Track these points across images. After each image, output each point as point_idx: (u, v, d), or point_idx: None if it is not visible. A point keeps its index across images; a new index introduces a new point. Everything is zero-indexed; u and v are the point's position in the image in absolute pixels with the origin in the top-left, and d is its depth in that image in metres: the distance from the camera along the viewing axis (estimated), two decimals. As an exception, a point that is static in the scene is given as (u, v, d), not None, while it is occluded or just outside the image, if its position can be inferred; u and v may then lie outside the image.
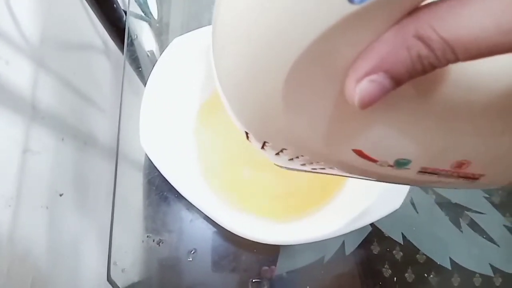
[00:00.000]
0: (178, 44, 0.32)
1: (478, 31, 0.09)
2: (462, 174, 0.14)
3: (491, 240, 0.36)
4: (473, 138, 0.13)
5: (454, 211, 0.37)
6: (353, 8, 0.09)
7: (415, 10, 0.10)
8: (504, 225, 0.36)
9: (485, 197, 0.37)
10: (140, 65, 0.41)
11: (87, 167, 0.51)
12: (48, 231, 0.43)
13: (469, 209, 0.37)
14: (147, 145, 0.27)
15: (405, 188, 0.28)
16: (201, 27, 0.47)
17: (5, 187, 0.37)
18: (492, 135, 0.13)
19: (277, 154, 0.16)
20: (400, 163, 0.14)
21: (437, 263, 0.35)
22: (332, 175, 0.18)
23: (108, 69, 0.60)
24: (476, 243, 0.36)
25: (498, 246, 0.36)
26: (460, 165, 0.14)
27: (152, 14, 0.51)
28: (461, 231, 0.36)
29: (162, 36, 0.49)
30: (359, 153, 0.14)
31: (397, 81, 0.10)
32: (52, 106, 0.45)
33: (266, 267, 0.33)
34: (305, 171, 0.18)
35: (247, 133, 0.16)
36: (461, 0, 0.09)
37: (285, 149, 0.15)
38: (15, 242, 0.37)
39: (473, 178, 0.14)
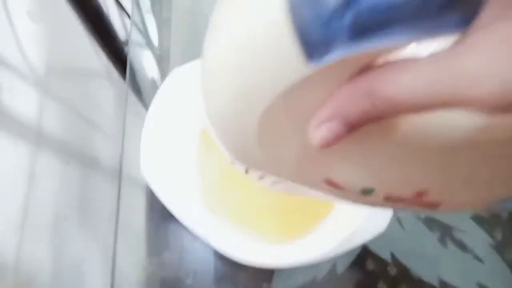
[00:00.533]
0: (178, 74, 0.34)
1: (410, 92, 0.11)
2: (423, 202, 0.16)
3: (477, 258, 0.37)
4: (430, 170, 0.15)
5: (440, 229, 0.38)
6: (310, 69, 0.11)
7: (364, 70, 0.12)
8: (489, 244, 0.38)
9: (470, 216, 0.39)
10: (141, 91, 0.43)
11: (91, 190, 0.53)
12: (52, 256, 0.44)
13: (454, 228, 0.38)
14: (147, 174, 0.29)
15: (390, 210, 0.30)
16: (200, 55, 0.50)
17: (11, 213, 0.38)
18: (447, 167, 0.14)
19: (261, 177, 0.18)
20: (366, 191, 0.16)
21: (424, 280, 0.36)
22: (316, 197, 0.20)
23: (111, 94, 0.63)
24: (463, 260, 0.37)
25: (484, 263, 0.37)
26: (420, 194, 0.15)
27: (152, 42, 0.53)
28: (448, 249, 0.38)
29: (163, 63, 0.51)
30: (329, 181, 0.16)
31: (349, 128, 0.12)
32: (57, 131, 0.47)
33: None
34: (288, 192, 0.20)
35: (232, 161, 0.19)
36: (400, 66, 0.11)
37: (267, 175, 0.17)
38: (20, 269, 0.39)
39: (433, 206, 0.16)
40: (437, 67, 0.10)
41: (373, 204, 0.17)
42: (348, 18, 0.10)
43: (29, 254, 0.40)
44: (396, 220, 0.38)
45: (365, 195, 0.16)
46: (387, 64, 0.11)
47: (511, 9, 0.09)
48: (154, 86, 0.47)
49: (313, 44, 0.11)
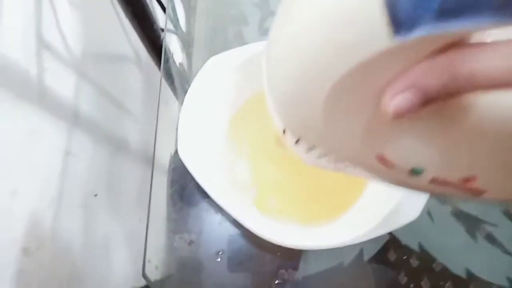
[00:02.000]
0: (214, 62, 0.35)
1: (492, 68, 0.11)
2: (468, 188, 0.16)
3: (507, 252, 0.37)
4: (484, 158, 0.15)
5: (470, 222, 0.38)
6: (394, 43, 0.11)
7: (446, 48, 0.12)
8: (520, 238, 0.37)
9: (501, 210, 0.38)
10: (173, 79, 0.44)
11: (120, 170, 0.55)
12: (84, 230, 0.46)
13: (485, 222, 0.38)
14: (183, 154, 0.30)
15: (423, 199, 0.30)
16: (225, 41, 0.50)
17: (49, 187, 0.40)
18: (502, 157, 0.15)
19: (308, 150, 0.18)
20: (415, 171, 0.16)
21: (452, 272, 0.36)
22: (353, 175, 0.20)
23: (139, 79, 0.64)
24: (492, 255, 0.37)
25: (514, 258, 0.37)
26: (467, 180, 0.15)
27: (182, 29, 0.54)
28: (477, 242, 0.37)
29: (189, 49, 0.52)
30: (381, 158, 0.16)
31: (425, 100, 0.12)
32: (91, 113, 0.49)
33: (288, 270, 0.35)
34: (329, 168, 0.20)
35: (284, 131, 0.19)
36: (480, 46, 0.11)
37: (316, 147, 0.18)
38: (57, 239, 0.41)
39: (477, 193, 0.16)
40: None
41: (415, 186, 0.17)
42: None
43: (63, 226, 0.41)
44: (426, 210, 0.37)
45: (412, 175, 0.16)
46: (469, 43, 0.12)
47: None
48: (183, 73, 0.48)
49: (401, 19, 0.11)
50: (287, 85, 0.16)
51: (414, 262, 0.36)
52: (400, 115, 0.13)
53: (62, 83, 0.43)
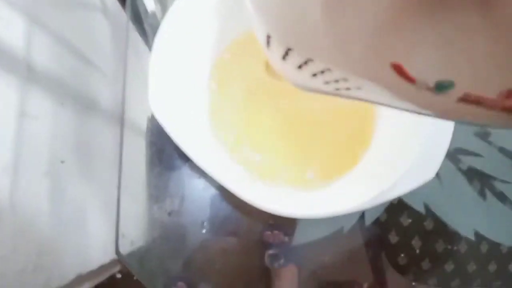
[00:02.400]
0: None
1: None
2: (508, 106, 0.12)
3: (518, 210, 0.34)
4: None
5: (479, 179, 0.35)
6: None
7: None
8: (532, 195, 0.34)
9: (511, 165, 0.35)
10: (143, 24, 0.37)
11: (90, 133, 0.49)
12: (51, 200, 0.41)
13: (495, 178, 0.35)
14: (157, 110, 0.25)
15: (440, 155, 0.26)
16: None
17: (1, 153, 0.35)
18: None
19: (300, 67, 0.14)
20: (441, 86, 0.12)
21: (460, 234, 0.33)
22: (357, 100, 0.15)
23: (108, 30, 0.56)
24: (502, 213, 0.34)
25: (524, 217, 0.34)
26: (509, 94, 0.12)
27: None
28: (486, 201, 0.34)
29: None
30: (397, 68, 0.12)
31: None
32: (49, 67, 0.42)
33: (269, 236, 0.31)
34: (326, 92, 0.15)
35: (268, 40, 0.14)
36: None
37: (311, 60, 0.13)
38: (17, 212, 0.36)
39: None
40: None
41: (438, 108, 0.13)
42: None
43: (25, 196, 0.37)
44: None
45: (438, 91, 0.12)
46: None
47: None
48: (154, 14, 0.41)
49: None
50: None
51: (420, 225, 0.33)
52: None
53: (8, 29, 0.36)
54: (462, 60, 0.11)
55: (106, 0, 0.55)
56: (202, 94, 0.30)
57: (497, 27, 0.10)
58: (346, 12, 0.11)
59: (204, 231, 0.31)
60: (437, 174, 0.34)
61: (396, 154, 0.27)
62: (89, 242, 0.47)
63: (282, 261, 0.31)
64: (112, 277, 0.51)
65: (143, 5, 0.39)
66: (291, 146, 0.31)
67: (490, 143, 0.36)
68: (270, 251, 0.31)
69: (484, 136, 0.36)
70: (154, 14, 0.40)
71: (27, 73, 0.39)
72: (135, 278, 0.32)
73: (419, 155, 0.26)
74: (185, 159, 0.32)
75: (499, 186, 0.35)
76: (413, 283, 0.32)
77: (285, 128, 0.32)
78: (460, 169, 0.35)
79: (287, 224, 0.32)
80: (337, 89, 0.15)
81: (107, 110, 0.52)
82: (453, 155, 0.35)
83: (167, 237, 0.31)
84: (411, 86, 0.12)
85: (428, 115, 0.14)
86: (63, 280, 0.42)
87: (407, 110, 0.15)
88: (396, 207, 0.33)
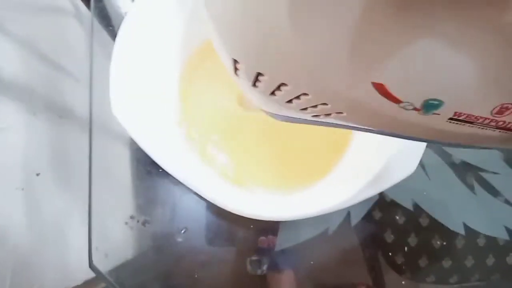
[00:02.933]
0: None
1: None
2: (502, 124, 0.11)
3: (506, 202, 0.33)
4: None
5: (467, 172, 0.34)
6: None
7: None
8: (522, 186, 0.33)
9: (500, 156, 0.34)
10: (111, 24, 0.36)
11: (65, 143, 0.47)
12: (27, 214, 0.39)
13: (483, 170, 0.34)
14: (120, 114, 0.23)
15: (420, 149, 0.24)
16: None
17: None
18: None
19: (272, 93, 0.12)
20: (430, 106, 0.11)
21: (450, 229, 0.32)
22: (335, 127, 0.14)
23: (81, 34, 0.55)
24: (490, 205, 0.33)
25: (514, 207, 0.33)
26: (503, 110, 0.11)
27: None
28: (475, 194, 0.33)
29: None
30: (380, 88, 0.10)
31: None
32: (19, 75, 0.41)
33: (264, 242, 0.30)
34: (303, 121, 0.14)
35: (235, 66, 0.13)
36: None
37: (284, 85, 0.12)
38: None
39: None
40: None
41: (426, 129, 0.12)
42: None
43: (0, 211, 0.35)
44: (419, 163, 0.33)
45: (426, 111, 0.11)
46: None
47: None
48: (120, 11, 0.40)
49: None
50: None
51: (415, 222, 0.32)
52: None
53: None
54: (453, 77, 0.10)
55: (78, 4, 0.53)
56: (171, 98, 0.29)
57: (495, 35, 0.09)
58: (317, 30, 0.10)
59: (180, 239, 0.29)
60: (425, 169, 0.33)
61: (375, 150, 0.26)
62: (70, 257, 0.45)
63: (265, 267, 0.29)
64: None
65: (110, 6, 0.37)
66: (267, 150, 0.30)
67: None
68: (252, 258, 0.29)
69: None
70: (121, 14, 0.38)
71: (-6, 83, 0.37)
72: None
73: (399, 149, 0.24)
74: (158, 167, 0.31)
75: (488, 178, 0.33)
76: (411, 282, 0.31)
77: (261, 131, 0.30)
78: (447, 163, 0.34)
79: (269, 229, 0.30)
80: (316, 116, 0.13)
81: (83, 118, 0.50)
82: (439, 148, 0.34)
83: (143, 247, 0.29)
84: (396, 106, 0.11)
85: (416, 139, 0.13)
86: (45, 296, 0.40)
87: (392, 135, 0.13)
88: (390, 205, 0.32)
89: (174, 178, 0.28)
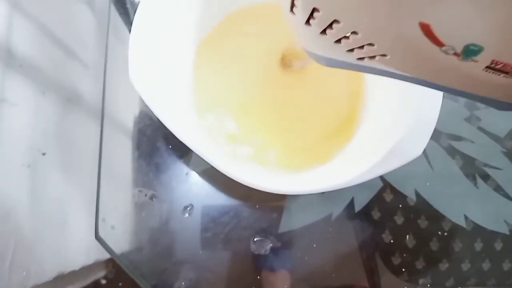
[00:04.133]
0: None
1: None
2: None
3: (507, 196, 0.34)
4: None
5: (470, 166, 0.34)
6: None
7: None
8: (523, 182, 0.34)
9: (503, 152, 0.35)
10: (125, 4, 0.37)
11: (72, 125, 0.47)
12: (31, 191, 0.39)
13: (486, 164, 0.34)
14: (136, 81, 0.24)
15: (428, 131, 0.25)
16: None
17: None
18: None
19: (323, 32, 0.13)
20: (470, 51, 0.11)
21: (451, 220, 0.32)
22: (375, 74, 0.15)
23: (92, 20, 0.55)
24: (493, 199, 0.33)
25: (515, 203, 0.34)
26: None
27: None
28: (477, 187, 0.34)
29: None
30: (426, 29, 0.11)
31: None
32: (31, 54, 0.41)
33: (269, 224, 0.30)
34: (346, 65, 0.15)
35: (292, 3, 0.13)
36: None
37: (337, 22, 0.12)
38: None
39: None
40: None
41: (459, 74, 0.13)
42: None
43: (3, 185, 0.35)
44: (423, 155, 0.33)
45: (465, 56, 0.11)
46: None
47: None
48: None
49: None
50: None
51: (410, 211, 0.32)
52: None
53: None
54: (494, 25, 0.10)
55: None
56: (187, 71, 0.29)
57: None
58: None
59: (187, 215, 0.29)
60: (427, 159, 0.34)
61: (383, 132, 0.26)
62: (70, 240, 0.45)
63: (269, 247, 0.29)
64: (97, 283, 0.49)
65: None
66: (279, 129, 0.30)
67: (480, 129, 0.35)
68: (256, 238, 0.30)
69: (474, 122, 0.35)
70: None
71: (7, 58, 0.38)
72: (120, 284, 0.30)
73: (406, 132, 0.25)
74: (167, 142, 0.31)
75: (491, 172, 0.34)
76: (408, 284, 0.31)
77: (273, 110, 0.31)
78: (451, 156, 0.34)
79: (273, 210, 0.31)
80: (360, 58, 0.14)
81: (90, 102, 0.50)
82: (444, 140, 0.34)
83: (149, 222, 0.30)
84: (438, 50, 0.12)
85: (450, 91, 0.14)
86: (41, 278, 0.40)
87: (429, 85, 0.14)
88: (386, 193, 0.32)
89: (183, 154, 0.29)
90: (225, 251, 0.30)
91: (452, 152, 0.34)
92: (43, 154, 0.43)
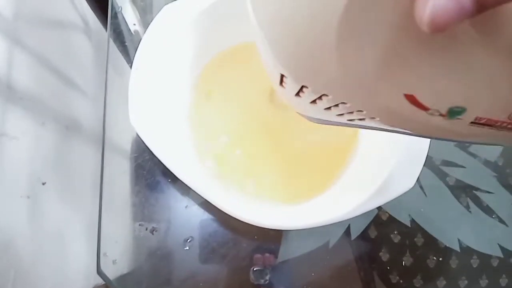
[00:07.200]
0: (168, 12, 0.28)
1: None
2: None
3: (500, 220, 0.34)
4: None
5: (463, 191, 0.35)
6: None
7: None
8: (515, 206, 0.35)
9: (494, 176, 0.36)
10: (124, 41, 0.38)
11: (71, 154, 0.48)
12: (31, 222, 0.40)
13: (477, 189, 0.35)
14: (137, 123, 0.25)
15: (418, 165, 0.26)
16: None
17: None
18: None
19: (314, 102, 0.14)
20: (454, 112, 0.12)
21: (445, 245, 0.33)
22: (365, 128, 0.16)
23: (89, 49, 0.56)
24: (485, 223, 0.34)
25: (507, 226, 0.34)
26: None
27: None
28: (470, 212, 0.34)
29: (147, 16, 0.45)
30: (411, 99, 0.12)
31: (481, 6, 0.08)
32: (30, 87, 0.42)
33: (267, 254, 0.31)
34: (338, 124, 0.16)
35: (281, 79, 0.14)
36: None
37: (326, 95, 0.14)
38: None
39: None
40: None
41: (450, 132, 0.14)
42: None
43: (3, 218, 0.35)
44: (417, 182, 0.34)
45: (450, 117, 0.13)
46: None
47: None
48: (137, 38, 0.41)
49: None
50: (286, 11, 0.12)
51: (410, 241, 0.33)
52: (439, 27, 0.09)
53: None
54: (475, 88, 0.12)
55: (88, 19, 0.55)
56: (185, 108, 0.30)
57: (499, 56, 0.11)
58: (360, 45, 0.11)
59: (187, 248, 0.30)
60: (422, 187, 0.35)
61: (376, 165, 0.27)
62: (70, 266, 0.46)
63: (268, 276, 0.30)
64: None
65: (125, 23, 0.39)
66: (275, 163, 0.31)
67: (471, 154, 0.36)
68: (256, 267, 0.30)
69: (464, 147, 0.36)
70: (136, 32, 0.40)
71: (8, 92, 0.38)
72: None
73: (398, 164, 0.26)
74: (167, 177, 0.32)
75: (483, 197, 0.35)
76: None
77: (271, 142, 0.32)
78: (444, 181, 0.35)
79: (271, 240, 0.31)
80: (350, 120, 0.15)
81: (89, 129, 0.51)
82: (436, 167, 0.35)
83: (150, 255, 0.30)
84: (424, 113, 0.13)
85: (441, 139, 0.15)
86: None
87: (419, 136, 0.15)
88: (386, 224, 0.33)
89: (182, 188, 0.29)
90: (226, 282, 0.30)
91: (444, 177, 0.35)
92: (43, 183, 0.43)
